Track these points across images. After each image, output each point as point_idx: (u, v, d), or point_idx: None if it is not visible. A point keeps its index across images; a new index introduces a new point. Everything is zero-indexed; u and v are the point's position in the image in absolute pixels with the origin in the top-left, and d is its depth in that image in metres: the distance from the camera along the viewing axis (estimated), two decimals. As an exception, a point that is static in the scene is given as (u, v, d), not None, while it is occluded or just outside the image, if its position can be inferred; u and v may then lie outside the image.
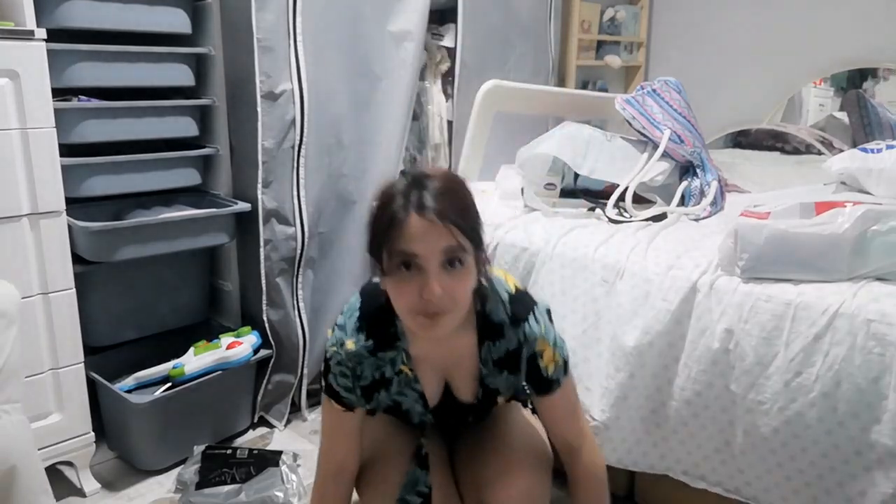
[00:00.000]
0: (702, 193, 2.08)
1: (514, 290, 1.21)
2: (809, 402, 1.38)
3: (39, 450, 1.78)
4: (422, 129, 2.59)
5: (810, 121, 3.11)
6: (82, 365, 1.84)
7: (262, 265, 2.16)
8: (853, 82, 2.97)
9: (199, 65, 2.09)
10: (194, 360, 2.05)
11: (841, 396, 1.35)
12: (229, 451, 1.98)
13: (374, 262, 1.06)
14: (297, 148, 2.10)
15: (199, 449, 1.98)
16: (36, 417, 1.77)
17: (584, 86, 3.35)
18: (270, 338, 2.23)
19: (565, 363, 1.22)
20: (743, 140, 3.24)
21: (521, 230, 1.90)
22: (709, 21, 3.20)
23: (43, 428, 1.78)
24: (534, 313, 1.18)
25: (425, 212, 0.99)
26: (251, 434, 2.22)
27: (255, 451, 1.99)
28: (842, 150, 2.45)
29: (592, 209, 2.04)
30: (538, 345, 1.18)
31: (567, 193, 2.21)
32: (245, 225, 2.17)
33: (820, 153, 2.88)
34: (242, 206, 2.11)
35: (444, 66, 2.59)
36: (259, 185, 2.10)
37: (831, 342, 1.36)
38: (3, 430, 1.32)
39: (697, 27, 3.25)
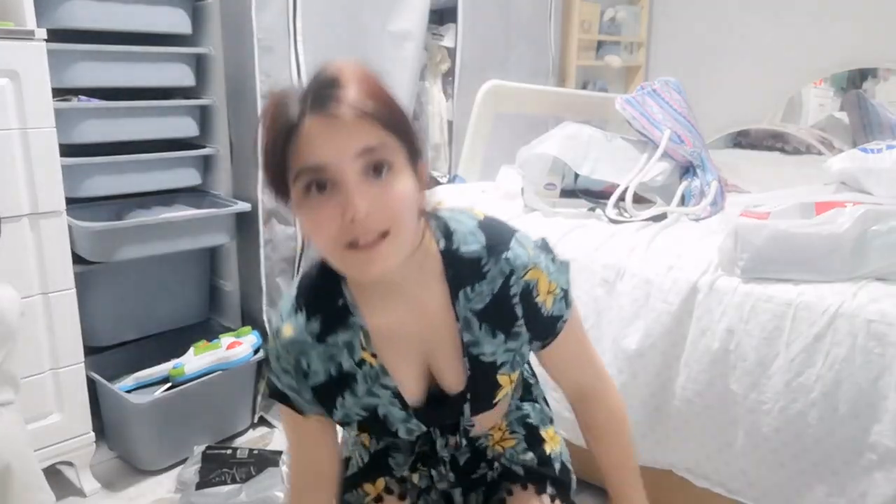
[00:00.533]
0: (702, 193, 2.08)
1: (482, 218, 0.93)
2: (810, 402, 1.38)
3: (39, 450, 1.78)
4: (422, 128, 2.59)
5: (810, 121, 3.12)
6: (82, 365, 1.84)
7: (262, 265, 2.16)
8: (853, 82, 2.97)
9: (199, 65, 2.09)
10: (194, 360, 2.05)
11: (842, 396, 1.35)
12: (229, 451, 1.98)
13: (278, 198, 0.81)
14: (297, 148, 2.10)
15: (199, 449, 1.98)
16: (36, 417, 1.77)
17: (584, 86, 3.35)
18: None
19: (565, 293, 0.94)
20: (743, 140, 3.24)
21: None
22: (709, 21, 3.20)
23: (43, 428, 1.78)
24: (516, 239, 0.91)
25: (326, 108, 0.74)
26: (251, 434, 2.22)
27: (256, 451, 1.99)
28: (842, 150, 2.45)
29: (592, 209, 2.04)
30: (529, 274, 0.89)
31: (567, 193, 2.21)
32: (245, 225, 2.17)
33: (820, 153, 2.88)
34: (242, 206, 2.10)
35: (444, 66, 2.59)
36: (259, 185, 2.10)
37: (832, 342, 1.36)
38: None
39: (697, 27, 3.25)
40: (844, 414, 1.35)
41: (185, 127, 2.06)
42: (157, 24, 1.94)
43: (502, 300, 0.89)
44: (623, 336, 1.61)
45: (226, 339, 2.13)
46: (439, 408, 0.94)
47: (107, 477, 1.97)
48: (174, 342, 2.15)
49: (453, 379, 0.93)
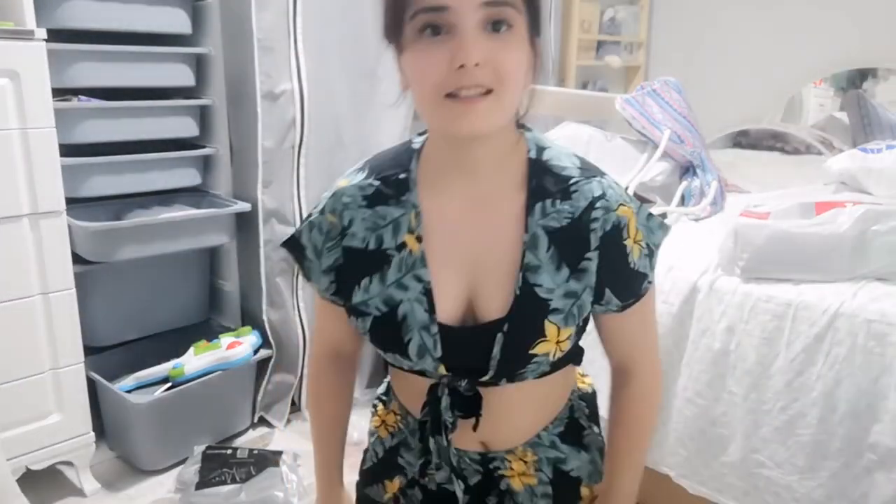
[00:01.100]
0: (702, 193, 2.08)
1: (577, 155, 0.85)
2: (811, 402, 1.38)
3: (39, 450, 1.78)
4: (422, 128, 2.59)
5: (810, 121, 3.12)
6: (82, 365, 1.84)
7: (262, 265, 2.16)
8: (853, 82, 2.97)
9: (199, 65, 2.09)
10: (194, 360, 2.05)
11: (842, 396, 1.35)
12: (229, 451, 1.98)
13: (389, 38, 0.76)
14: (297, 148, 2.10)
15: (199, 449, 1.98)
16: (36, 417, 1.77)
17: (584, 86, 3.36)
18: (270, 338, 2.23)
19: (651, 253, 0.82)
20: (743, 140, 3.24)
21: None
22: (709, 21, 3.20)
23: (43, 428, 1.78)
24: (608, 177, 0.82)
25: None
26: (251, 434, 2.22)
27: (256, 451, 1.99)
28: (842, 150, 2.45)
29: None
30: (621, 210, 0.79)
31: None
32: (245, 225, 2.17)
33: (820, 153, 2.88)
34: (242, 206, 2.10)
35: (444, 66, 2.59)
36: (259, 185, 2.10)
37: (832, 342, 1.36)
38: None
39: (697, 27, 3.25)
40: (844, 414, 1.35)
41: (185, 127, 2.06)
42: (157, 24, 1.94)
43: (580, 227, 0.79)
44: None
45: (226, 339, 2.13)
46: (468, 334, 0.81)
47: (107, 477, 1.97)
48: (174, 342, 2.15)
49: (495, 305, 0.79)
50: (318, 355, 0.98)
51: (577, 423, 0.93)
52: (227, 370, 2.06)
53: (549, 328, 0.78)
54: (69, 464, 1.88)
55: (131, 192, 2.00)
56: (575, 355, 0.89)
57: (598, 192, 0.79)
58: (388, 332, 0.81)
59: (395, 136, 2.28)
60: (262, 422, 2.28)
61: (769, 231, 1.47)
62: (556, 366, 0.84)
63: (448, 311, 0.80)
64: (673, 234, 0.95)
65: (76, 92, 1.86)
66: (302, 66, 2.04)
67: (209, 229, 2.07)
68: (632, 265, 0.81)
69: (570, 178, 0.80)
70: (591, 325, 0.89)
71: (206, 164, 2.17)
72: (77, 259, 1.84)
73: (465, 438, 0.86)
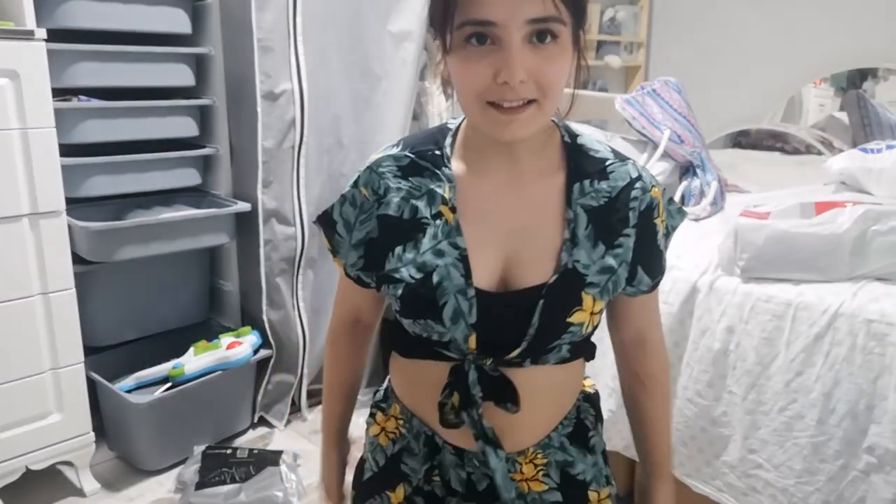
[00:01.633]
0: (702, 193, 2.08)
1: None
2: (810, 403, 1.38)
3: (39, 450, 1.78)
4: (422, 128, 2.59)
5: (810, 121, 3.12)
6: (82, 365, 1.84)
7: (262, 265, 2.16)
8: (853, 82, 2.97)
9: (199, 65, 2.09)
10: (194, 360, 2.05)
11: (841, 397, 1.34)
12: (229, 451, 1.98)
13: (435, 39, 0.77)
14: (297, 148, 2.10)
15: (199, 449, 1.98)
16: (36, 417, 1.77)
17: (584, 86, 3.35)
18: (270, 338, 2.23)
19: (667, 234, 0.89)
20: (743, 140, 3.24)
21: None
22: (709, 21, 3.20)
23: (43, 428, 1.78)
24: (638, 163, 0.87)
25: None
26: (251, 434, 2.22)
27: (255, 451, 1.99)
28: (842, 150, 2.45)
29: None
30: (654, 192, 0.85)
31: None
32: (245, 225, 2.17)
33: (820, 153, 2.88)
34: (242, 206, 2.10)
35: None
36: (259, 185, 2.10)
37: (832, 342, 1.36)
38: None
39: (697, 27, 3.26)
40: (843, 415, 1.34)
41: (185, 127, 2.06)
42: (157, 24, 1.94)
43: (618, 205, 0.83)
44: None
45: (226, 339, 2.13)
46: (505, 301, 0.81)
47: (107, 477, 1.97)
48: (174, 342, 2.15)
49: (532, 278, 0.81)
50: (336, 321, 1.00)
51: (583, 424, 0.94)
52: (227, 370, 2.06)
53: (586, 298, 0.81)
54: (69, 464, 1.88)
55: (131, 192, 2.00)
56: (590, 348, 0.91)
57: (634, 174, 0.84)
58: (421, 297, 0.81)
59: (394, 137, 2.28)
60: (262, 422, 2.28)
61: (769, 231, 1.47)
62: (576, 351, 0.86)
63: (484, 278, 0.81)
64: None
65: (76, 92, 1.86)
66: (302, 66, 2.04)
67: (209, 229, 2.07)
68: (659, 244, 0.87)
69: (606, 159, 0.85)
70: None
71: (206, 164, 2.17)
72: (77, 259, 1.84)
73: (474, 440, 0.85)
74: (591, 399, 0.97)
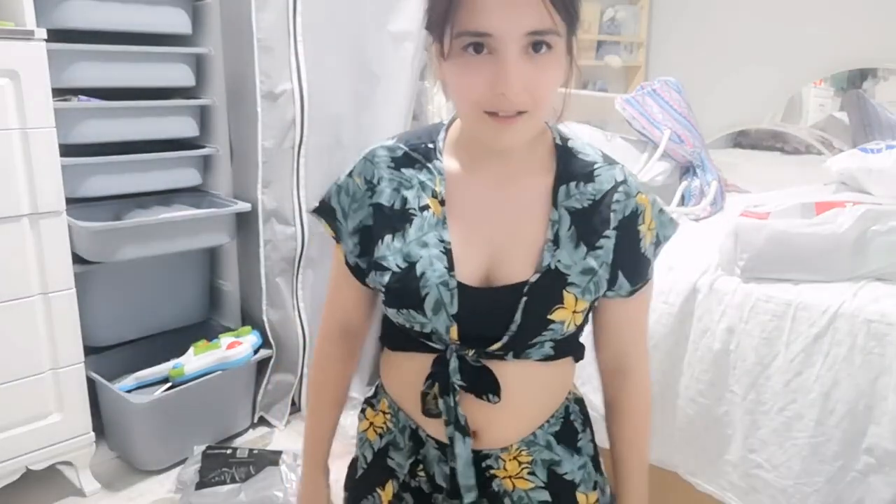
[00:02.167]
0: (702, 193, 2.08)
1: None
2: (809, 403, 1.38)
3: (39, 450, 1.78)
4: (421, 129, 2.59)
5: (810, 121, 3.12)
6: (82, 365, 1.84)
7: (262, 265, 2.16)
8: (853, 82, 2.97)
9: (199, 65, 2.09)
10: (194, 360, 2.05)
11: (840, 397, 1.34)
12: (229, 451, 1.98)
13: (433, 42, 0.78)
14: (297, 148, 2.10)
15: (199, 449, 1.98)
16: (36, 417, 1.77)
17: (584, 86, 3.36)
18: (270, 338, 2.23)
19: (658, 244, 0.89)
20: (743, 140, 3.24)
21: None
22: (709, 21, 3.20)
23: (43, 428, 1.78)
24: (628, 168, 0.89)
25: None
26: (251, 434, 2.22)
27: (255, 451, 1.99)
28: (842, 150, 2.45)
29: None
30: (640, 198, 0.86)
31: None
32: (245, 225, 2.17)
33: (820, 153, 2.88)
34: (242, 206, 2.10)
35: (445, 66, 2.59)
36: (259, 185, 2.10)
37: (831, 342, 1.36)
38: None
39: (697, 27, 3.26)
40: (842, 416, 1.34)
41: (185, 127, 2.06)
42: (157, 24, 1.94)
43: (601, 207, 0.84)
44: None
45: (226, 339, 2.13)
46: (486, 295, 0.82)
47: (107, 477, 1.97)
48: (174, 342, 2.15)
49: (514, 276, 0.82)
50: (325, 329, 1.00)
51: (571, 425, 0.93)
52: (227, 370, 2.06)
53: (567, 297, 0.82)
54: (69, 464, 1.88)
55: (131, 192, 2.00)
56: (577, 348, 0.90)
57: (620, 178, 0.85)
58: (405, 287, 0.83)
59: (395, 136, 2.28)
60: (262, 422, 2.28)
61: (769, 231, 1.47)
62: (561, 350, 0.86)
63: (467, 272, 0.83)
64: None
65: (76, 92, 1.86)
66: (302, 66, 2.04)
67: (209, 229, 2.07)
68: (643, 250, 0.86)
69: (594, 163, 0.86)
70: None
71: (206, 164, 2.17)
72: (77, 259, 1.84)
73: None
74: (580, 402, 0.96)
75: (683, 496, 1.62)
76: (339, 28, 2.13)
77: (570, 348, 0.89)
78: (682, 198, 2.08)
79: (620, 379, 0.95)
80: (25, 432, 1.75)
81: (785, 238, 1.46)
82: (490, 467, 0.88)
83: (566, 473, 0.90)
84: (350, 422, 2.18)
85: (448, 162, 0.86)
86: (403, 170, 0.87)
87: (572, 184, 0.84)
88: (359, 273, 0.91)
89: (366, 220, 0.88)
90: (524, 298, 0.81)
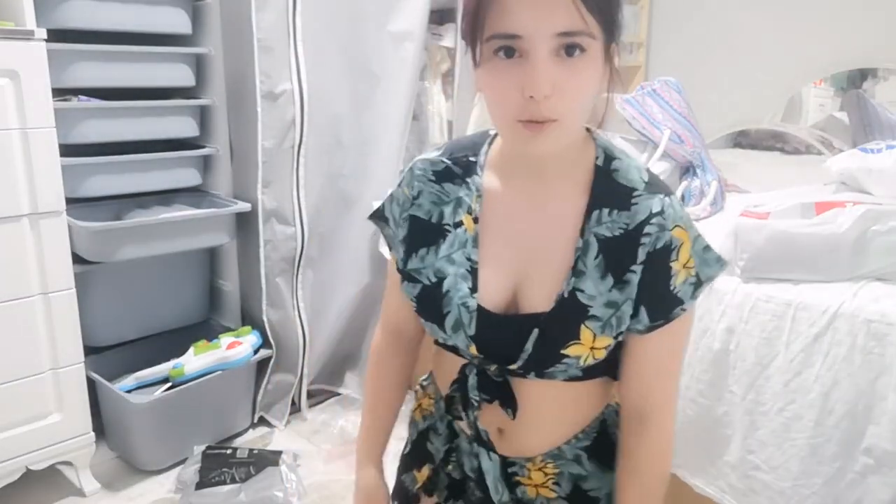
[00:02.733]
0: (702, 193, 2.08)
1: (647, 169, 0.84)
2: (808, 404, 1.37)
3: (39, 450, 1.78)
4: (422, 129, 2.59)
5: (810, 121, 3.11)
6: (82, 365, 1.84)
7: (262, 265, 2.16)
8: (853, 82, 2.96)
9: (199, 65, 2.09)
10: (194, 360, 2.05)
11: (840, 397, 1.34)
12: (229, 451, 1.98)
13: (468, 49, 0.77)
14: (296, 148, 2.10)
15: (199, 449, 1.98)
16: (36, 417, 1.77)
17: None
18: (270, 338, 2.23)
19: (698, 283, 0.80)
20: (743, 140, 3.24)
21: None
22: (709, 21, 3.19)
23: (43, 428, 1.78)
24: (673, 198, 0.81)
25: None
26: (251, 434, 2.22)
27: (255, 451, 1.99)
28: (842, 150, 2.45)
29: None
30: (676, 231, 0.78)
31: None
32: (245, 225, 2.17)
33: (820, 153, 2.88)
34: (242, 206, 2.11)
35: (444, 66, 2.59)
36: (259, 185, 2.10)
37: (831, 342, 1.36)
38: None
39: (697, 27, 3.25)
40: (841, 416, 1.34)
41: (185, 127, 2.06)
42: (157, 24, 1.94)
43: (631, 239, 0.78)
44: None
45: (226, 339, 2.13)
46: (504, 322, 0.82)
47: (107, 477, 1.97)
48: (174, 342, 2.15)
49: (537, 302, 0.81)
50: (381, 333, 1.02)
51: (608, 439, 0.90)
52: (227, 370, 2.06)
53: (585, 332, 0.79)
54: (69, 464, 1.88)
55: (131, 192, 2.00)
56: (610, 369, 0.86)
57: (656, 209, 0.79)
58: (431, 302, 0.84)
59: (394, 137, 2.28)
60: (262, 422, 2.28)
61: (769, 231, 1.47)
62: (590, 373, 0.82)
63: (491, 295, 0.82)
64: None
65: (76, 92, 1.87)
66: (301, 66, 2.04)
67: (209, 229, 2.07)
68: (672, 288, 0.79)
69: (634, 190, 0.80)
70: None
71: (206, 164, 2.17)
72: (77, 259, 1.84)
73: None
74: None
75: (683, 498, 1.62)
76: (339, 28, 2.13)
77: (600, 371, 0.84)
78: (683, 198, 2.08)
79: (637, 424, 0.86)
80: (25, 432, 1.76)
81: (785, 238, 1.46)
82: (515, 474, 0.89)
83: (591, 490, 0.89)
84: (350, 422, 2.18)
85: (487, 177, 0.85)
86: (444, 184, 0.87)
87: (605, 210, 0.79)
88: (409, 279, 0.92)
89: (410, 220, 0.89)
90: (536, 330, 0.79)
